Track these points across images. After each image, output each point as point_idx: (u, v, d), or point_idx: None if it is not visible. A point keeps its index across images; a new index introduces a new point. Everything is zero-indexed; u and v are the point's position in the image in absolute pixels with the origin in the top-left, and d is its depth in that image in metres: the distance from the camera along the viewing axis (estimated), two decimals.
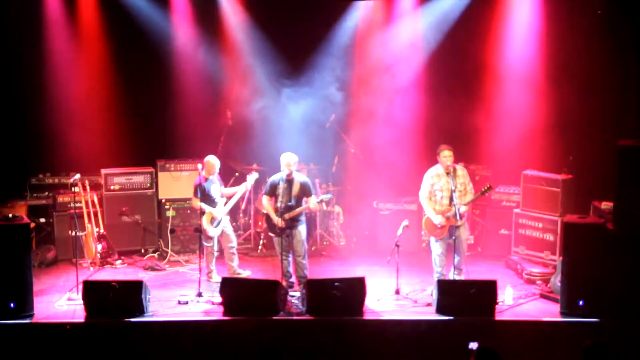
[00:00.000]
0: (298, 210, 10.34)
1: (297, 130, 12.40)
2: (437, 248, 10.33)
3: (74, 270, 10.33)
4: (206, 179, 10.75)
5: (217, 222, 10.72)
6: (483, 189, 10.18)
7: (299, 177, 10.46)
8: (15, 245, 9.40)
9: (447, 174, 10.21)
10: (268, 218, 10.55)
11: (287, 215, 10.28)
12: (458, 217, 10.08)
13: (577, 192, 11.49)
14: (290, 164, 10.35)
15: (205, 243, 10.70)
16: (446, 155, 10.19)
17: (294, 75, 12.76)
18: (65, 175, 12.43)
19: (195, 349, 9.12)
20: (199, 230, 10.53)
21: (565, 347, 9.03)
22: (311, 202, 10.36)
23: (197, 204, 10.58)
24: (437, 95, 12.74)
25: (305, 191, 10.40)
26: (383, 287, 10.30)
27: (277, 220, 10.27)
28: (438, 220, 10.19)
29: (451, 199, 10.13)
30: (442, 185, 10.22)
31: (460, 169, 10.36)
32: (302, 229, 10.44)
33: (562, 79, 12.01)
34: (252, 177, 10.91)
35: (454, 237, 10.07)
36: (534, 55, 12.24)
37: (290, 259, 10.47)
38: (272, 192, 10.47)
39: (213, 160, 10.83)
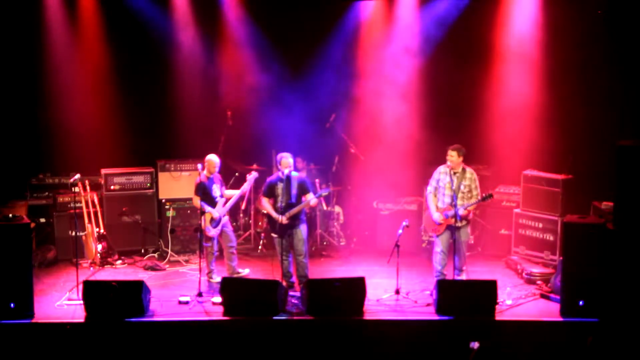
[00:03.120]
0: (298, 207, 10.35)
1: (297, 130, 12.40)
2: (437, 245, 10.44)
3: (74, 270, 10.33)
4: (207, 178, 10.76)
5: (217, 222, 10.72)
6: (484, 196, 10.24)
7: (296, 176, 10.48)
8: (15, 245, 9.39)
9: (455, 173, 10.30)
10: (269, 218, 10.55)
11: (287, 214, 10.29)
12: (459, 218, 10.13)
13: (577, 192, 11.50)
14: (287, 164, 10.37)
15: (204, 243, 10.70)
16: (450, 154, 10.30)
17: (294, 74, 12.76)
18: (65, 175, 12.43)
19: (195, 349, 9.12)
20: (199, 230, 10.54)
21: (565, 347, 9.04)
22: (310, 198, 10.36)
23: (198, 202, 10.59)
24: (437, 96, 12.76)
25: (303, 189, 10.42)
26: (383, 287, 10.30)
27: (279, 217, 10.26)
28: (436, 217, 10.32)
29: (453, 199, 10.19)
30: (446, 184, 10.32)
31: (470, 173, 10.40)
32: (303, 228, 10.44)
33: (563, 79, 12.01)
34: (251, 177, 10.90)
35: (454, 238, 10.12)
36: (534, 55, 12.24)
37: (291, 259, 10.48)
38: (271, 193, 10.49)
39: (214, 159, 10.83)
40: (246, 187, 10.95)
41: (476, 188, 10.38)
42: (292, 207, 10.34)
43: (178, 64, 12.87)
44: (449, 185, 10.27)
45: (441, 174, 10.41)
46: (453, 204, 10.15)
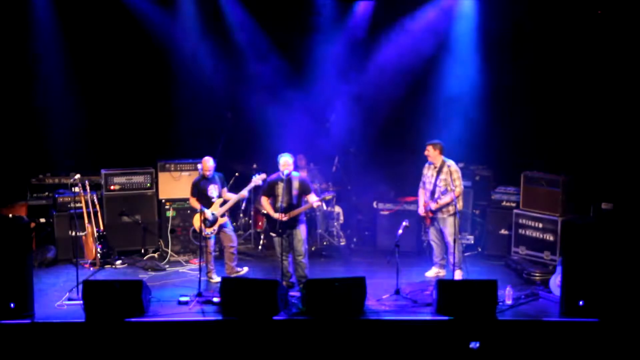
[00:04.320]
0: (299, 209, 10.34)
1: (297, 130, 12.41)
2: (429, 235, 11.04)
3: (74, 270, 10.33)
4: (203, 178, 10.76)
5: (210, 221, 10.69)
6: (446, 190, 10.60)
7: (297, 176, 10.47)
8: (15, 245, 9.38)
9: (435, 168, 10.71)
10: (269, 218, 10.55)
11: (287, 215, 10.28)
12: (432, 211, 10.72)
13: (577, 192, 11.50)
14: (287, 164, 10.36)
15: (198, 242, 10.65)
16: (427, 149, 10.78)
17: (294, 74, 12.77)
18: (65, 175, 12.44)
19: (195, 349, 9.12)
20: (197, 230, 10.55)
21: (565, 347, 9.04)
22: (313, 201, 10.34)
23: (194, 203, 10.62)
24: (438, 95, 12.77)
25: (304, 189, 10.41)
26: (383, 287, 10.30)
27: (279, 215, 10.25)
28: (421, 210, 10.92)
29: (432, 193, 10.68)
30: (427, 178, 10.85)
31: (447, 167, 10.68)
32: (302, 229, 10.44)
33: (563, 79, 12.02)
34: (258, 178, 10.78)
35: (441, 231, 10.73)
36: (534, 55, 12.25)
37: (290, 259, 10.48)
38: (271, 192, 10.48)
39: (206, 161, 10.77)
40: (245, 191, 10.89)
41: (455, 180, 10.54)
42: (293, 209, 10.33)
43: (178, 64, 12.86)
44: (431, 180, 10.77)
45: (424, 169, 10.93)
46: (432, 198, 10.68)
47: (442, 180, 10.64)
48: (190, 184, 10.94)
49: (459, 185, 10.59)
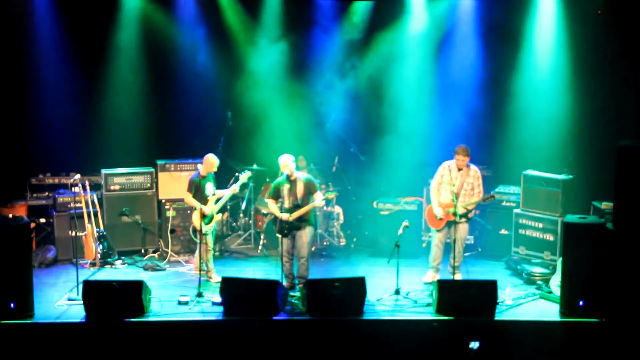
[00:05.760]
0: (303, 209, 10.30)
1: (297, 130, 12.41)
2: (434, 238, 10.75)
3: (74, 270, 10.33)
4: (203, 177, 10.76)
5: (209, 218, 10.69)
6: (485, 196, 10.44)
7: (301, 176, 10.45)
8: (15, 245, 9.38)
9: (459, 170, 10.45)
10: (275, 219, 10.49)
11: (291, 217, 10.26)
12: (457, 216, 10.28)
13: (577, 192, 11.50)
14: (287, 165, 10.33)
15: (198, 241, 10.65)
16: (457, 153, 10.48)
17: (294, 74, 12.77)
18: (65, 175, 12.44)
19: (195, 349, 9.13)
20: (195, 230, 10.54)
21: (565, 347, 9.04)
22: (316, 200, 10.31)
23: (190, 200, 10.63)
24: (436, 95, 12.77)
25: (310, 188, 10.38)
26: (383, 287, 10.30)
27: (284, 215, 10.22)
28: (437, 212, 10.56)
29: (456, 196, 10.35)
30: (449, 180, 10.52)
31: (474, 171, 10.55)
32: (308, 231, 10.37)
33: (563, 79, 12.02)
34: (244, 176, 10.84)
35: (452, 234, 10.33)
36: (534, 55, 12.25)
37: (294, 259, 10.46)
38: (277, 195, 10.43)
39: (213, 159, 10.79)
40: (236, 187, 10.89)
41: (479, 186, 10.50)
42: (298, 208, 10.30)
43: (179, 64, 12.86)
44: (454, 182, 10.45)
45: (445, 169, 10.61)
46: (454, 201, 10.29)
47: (469, 184, 10.50)
48: (188, 180, 10.89)
49: (482, 190, 10.58)
